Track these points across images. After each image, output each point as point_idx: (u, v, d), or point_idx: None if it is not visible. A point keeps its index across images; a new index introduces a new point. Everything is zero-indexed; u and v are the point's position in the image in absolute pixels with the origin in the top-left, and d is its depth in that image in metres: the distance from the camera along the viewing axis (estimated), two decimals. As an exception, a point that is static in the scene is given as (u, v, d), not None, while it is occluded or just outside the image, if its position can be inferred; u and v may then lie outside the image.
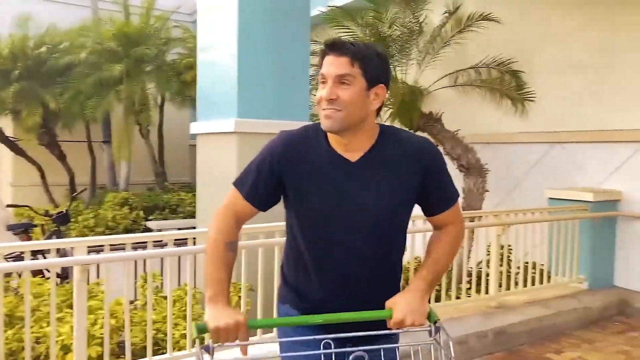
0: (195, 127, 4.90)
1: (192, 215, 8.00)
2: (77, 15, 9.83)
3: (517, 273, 4.56)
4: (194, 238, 3.22)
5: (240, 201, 1.61)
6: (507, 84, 5.91)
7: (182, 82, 9.48)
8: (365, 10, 6.27)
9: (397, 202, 1.57)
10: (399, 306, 1.46)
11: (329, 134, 1.56)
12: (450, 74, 6.26)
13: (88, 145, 10.53)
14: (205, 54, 4.86)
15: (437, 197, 1.63)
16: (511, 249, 4.62)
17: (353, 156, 1.55)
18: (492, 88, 5.98)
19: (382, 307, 1.50)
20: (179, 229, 7.10)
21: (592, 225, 4.95)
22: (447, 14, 6.21)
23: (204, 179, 4.72)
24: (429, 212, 1.67)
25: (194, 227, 5.04)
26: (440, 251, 1.63)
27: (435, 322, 1.45)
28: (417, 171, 1.57)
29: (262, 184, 1.59)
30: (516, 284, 4.52)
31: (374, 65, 1.51)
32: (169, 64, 9.90)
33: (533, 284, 4.63)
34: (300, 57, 4.61)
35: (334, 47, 1.51)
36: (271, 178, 1.58)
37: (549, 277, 4.81)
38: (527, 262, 4.66)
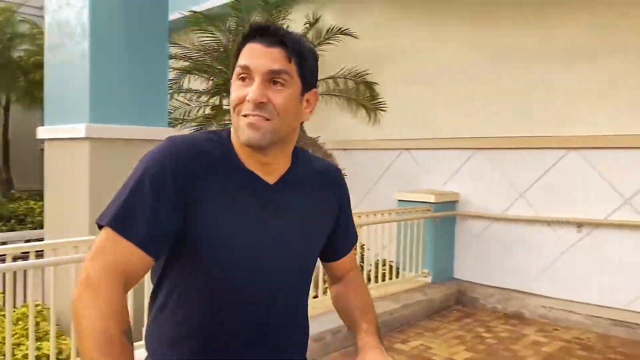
0: (42, 132, 4.57)
1: (42, 225, 7.40)
2: None
3: (370, 270, 4.91)
4: (38, 251, 3.02)
5: (129, 253, 1.02)
6: (362, 94, 6.32)
7: (30, 82, 8.74)
8: (227, 17, 6.33)
9: (321, 238, 1.29)
10: None
11: (239, 148, 1.16)
12: (311, 83, 6.52)
13: None
14: (54, 53, 4.56)
15: (344, 237, 1.37)
16: (364, 248, 4.95)
17: (270, 179, 1.18)
18: (348, 98, 6.35)
19: None
20: (27, 240, 6.56)
21: (434, 224, 5.48)
22: (307, 25, 6.49)
23: (53, 188, 4.43)
24: (331, 256, 1.38)
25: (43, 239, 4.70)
26: (361, 301, 1.35)
27: None
28: (332, 203, 1.30)
29: (165, 218, 1.05)
30: (369, 280, 4.86)
31: (309, 63, 1.15)
32: (15, 61, 9.06)
33: (384, 279, 5.01)
34: (158, 59, 4.52)
35: (265, 32, 1.10)
36: (175, 206, 1.06)
37: (397, 273, 5.23)
38: (378, 260, 5.03)
